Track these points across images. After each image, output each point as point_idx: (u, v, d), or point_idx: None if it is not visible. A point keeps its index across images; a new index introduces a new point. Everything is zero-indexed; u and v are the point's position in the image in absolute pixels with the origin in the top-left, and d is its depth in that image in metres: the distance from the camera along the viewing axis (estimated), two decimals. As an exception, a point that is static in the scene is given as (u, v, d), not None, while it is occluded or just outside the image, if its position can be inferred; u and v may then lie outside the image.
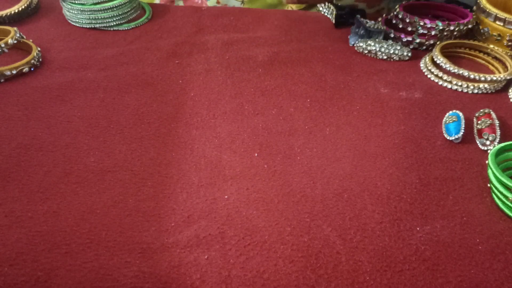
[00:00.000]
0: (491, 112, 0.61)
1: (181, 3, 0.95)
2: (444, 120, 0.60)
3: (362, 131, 0.59)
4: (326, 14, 0.84)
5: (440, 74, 0.68)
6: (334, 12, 0.82)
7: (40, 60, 0.71)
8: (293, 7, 0.88)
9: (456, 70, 0.67)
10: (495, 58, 0.72)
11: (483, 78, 0.65)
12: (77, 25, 0.81)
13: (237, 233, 0.46)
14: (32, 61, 0.69)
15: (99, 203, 0.49)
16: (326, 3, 0.85)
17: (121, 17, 0.81)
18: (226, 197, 0.50)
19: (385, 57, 0.74)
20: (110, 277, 0.42)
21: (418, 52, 0.76)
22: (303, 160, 0.54)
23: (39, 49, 0.72)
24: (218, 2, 0.92)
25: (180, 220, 0.47)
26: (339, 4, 0.86)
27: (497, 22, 0.71)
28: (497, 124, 0.59)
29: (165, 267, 0.43)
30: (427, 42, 0.75)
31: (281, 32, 0.80)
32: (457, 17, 0.79)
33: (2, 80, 0.67)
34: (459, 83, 0.67)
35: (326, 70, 0.71)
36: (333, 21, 0.82)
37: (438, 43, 0.74)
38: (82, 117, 0.61)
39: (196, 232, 0.46)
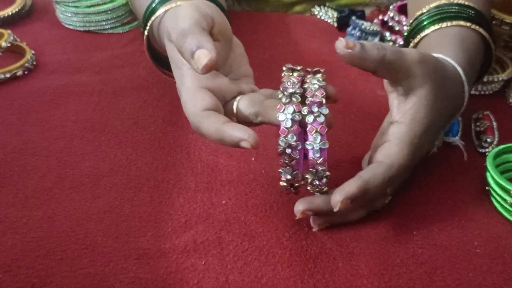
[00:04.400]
0: (490, 114, 0.60)
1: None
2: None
3: (359, 134, 0.59)
4: (322, 17, 0.84)
5: (437, 75, 0.68)
6: (335, 15, 0.82)
7: (34, 63, 0.71)
8: None
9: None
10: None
11: (480, 79, 0.65)
12: (71, 27, 0.81)
13: (235, 238, 0.46)
14: (26, 64, 0.69)
15: (95, 209, 0.48)
16: (322, 6, 0.85)
17: (115, 20, 0.80)
18: (223, 202, 0.49)
19: (381, 59, 0.74)
20: (106, 284, 0.41)
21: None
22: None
23: (33, 52, 0.72)
24: None
25: (177, 225, 0.47)
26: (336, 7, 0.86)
27: (494, 23, 0.71)
28: (495, 126, 0.58)
29: (162, 273, 0.42)
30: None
31: (277, 34, 0.80)
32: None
33: (-5, 84, 0.66)
34: (456, 85, 0.66)
35: (323, 72, 0.70)
36: (334, 24, 0.82)
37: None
38: (76, 121, 0.60)
39: (193, 237, 0.46)
